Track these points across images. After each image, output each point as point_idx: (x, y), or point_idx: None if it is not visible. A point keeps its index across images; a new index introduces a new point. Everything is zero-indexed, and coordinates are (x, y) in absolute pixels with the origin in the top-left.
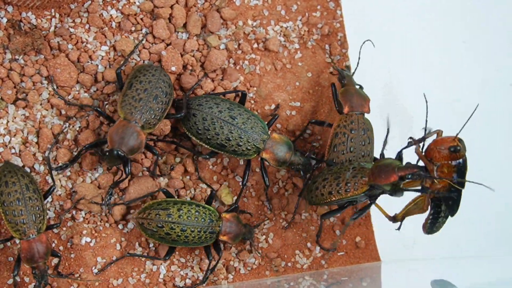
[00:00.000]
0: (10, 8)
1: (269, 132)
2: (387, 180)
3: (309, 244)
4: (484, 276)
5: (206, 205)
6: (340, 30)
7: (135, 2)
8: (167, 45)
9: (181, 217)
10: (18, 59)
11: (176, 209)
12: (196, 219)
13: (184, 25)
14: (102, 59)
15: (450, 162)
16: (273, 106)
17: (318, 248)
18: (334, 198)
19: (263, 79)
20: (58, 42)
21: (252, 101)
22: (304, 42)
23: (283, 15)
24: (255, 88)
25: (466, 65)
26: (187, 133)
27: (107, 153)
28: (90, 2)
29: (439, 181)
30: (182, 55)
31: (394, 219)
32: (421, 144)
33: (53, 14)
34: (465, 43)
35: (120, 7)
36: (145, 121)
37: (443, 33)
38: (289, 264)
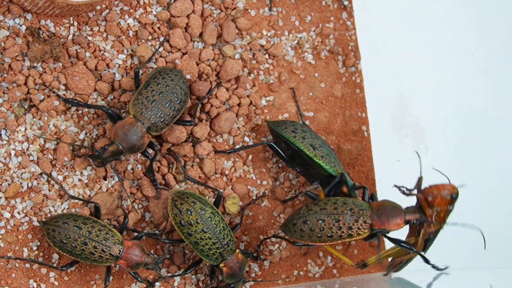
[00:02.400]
0: (29, 16)
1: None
2: (395, 226)
3: (320, 253)
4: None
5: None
6: (352, 40)
7: (152, 11)
8: (183, 54)
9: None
10: (36, 66)
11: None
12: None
13: (200, 35)
14: (119, 67)
15: (448, 207)
16: (286, 115)
17: (329, 257)
18: (333, 241)
19: (277, 89)
20: (76, 50)
21: (266, 110)
22: (318, 53)
23: (297, 25)
24: (268, 98)
25: (477, 75)
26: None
27: (106, 147)
28: (108, 11)
29: (434, 224)
30: (197, 64)
31: (364, 266)
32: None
33: (72, 22)
34: (473, 54)
35: (137, 16)
36: (152, 124)
37: (455, 43)
38: (301, 273)
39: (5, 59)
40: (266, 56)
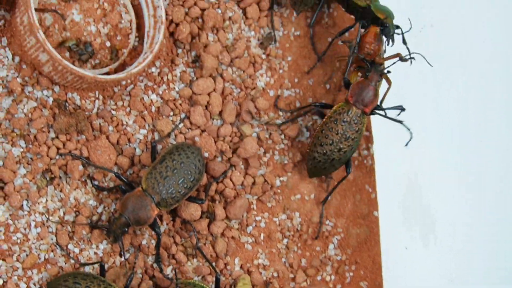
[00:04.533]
0: (57, 88)
1: None
2: None
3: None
4: None
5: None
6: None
7: (174, 88)
8: (202, 131)
9: None
10: (60, 138)
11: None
12: None
13: (220, 113)
14: (140, 142)
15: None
16: (298, 196)
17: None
18: None
19: (291, 170)
20: (100, 123)
21: (279, 190)
22: None
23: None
24: (282, 178)
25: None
26: None
27: (114, 219)
28: (132, 86)
29: None
30: (215, 141)
31: None
32: None
33: (97, 96)
34: (481, 142)
35: (160, 92)
36: (162, 199)
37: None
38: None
39: (31, 130)
40: (282, 136)
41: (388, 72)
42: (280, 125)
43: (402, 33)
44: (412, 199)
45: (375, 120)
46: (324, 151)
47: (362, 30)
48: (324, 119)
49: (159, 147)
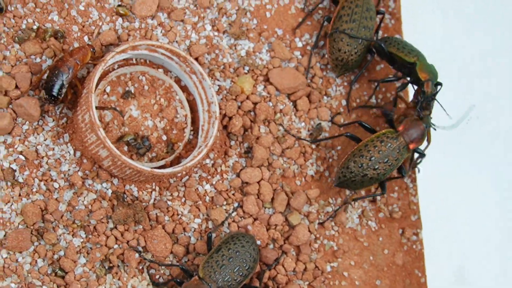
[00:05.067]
0: (115, 181)
1: None
2: None
3: None
4: None
5: None
6: (415, 211)
7: (227, 178)
8: (255, 219)
9: None
10: (118, 228)
11: None
12: None
13: (272, 200)
14: (194, 231)
15: None
16: (344, 283)
17: None
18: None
19: (341, 256)
20: (156, 214)
21: (330, 275)
22: (380, 222)
23: (363, 194)
24: (332, 264)
25: None
26: None
27: None
28: (187, 177)
29: None
30: (267, 229)
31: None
32: None
33: (154, 187)
34: None
35: (214, 183)
36: (219, 287)
37: None
38: None
39: (91, 221)
40: (332, 223)
41: (434, 128)
42: (333, 216)
43: (436, 92)
44: (461, 282)
45: (424, 205)
46: (361, 164)
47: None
48: (371, 136)
49: (213, 235)
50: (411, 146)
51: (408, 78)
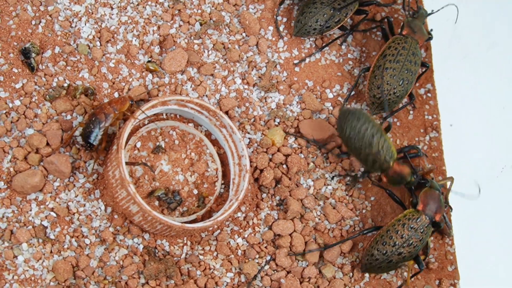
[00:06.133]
0: (147, 236)
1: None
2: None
3: None
4: None
5: None
6: (452, 262)
7: (259, 231)
8: (288, 272)
9: None
10: (150, 283)
11: None
12: None
13: (304, 252)
14: (227, 285)
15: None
16: None
17: None
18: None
19: None
20: (188, 268)
21: None
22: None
23: None
24: None
25: None
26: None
27: None
28: (219, 231)
29: None
30: (300, 282)
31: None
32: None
33: (185, 242)
34: None
35: (246, 236)
36: None
37: None
38: None
39: (122, 276)
40: (367, 275)
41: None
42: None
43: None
44: None
45: (460, 255)
46: (385, 251)
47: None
48: (392, 220)
49: None
50: (437, 219)
51: None
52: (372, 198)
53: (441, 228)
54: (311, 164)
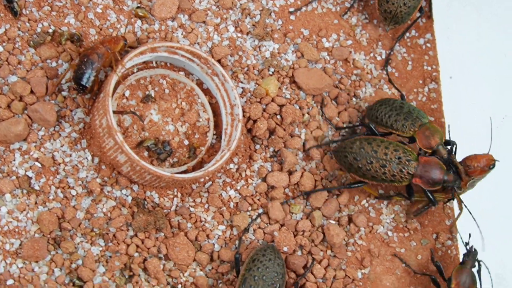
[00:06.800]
0: (135, 187)
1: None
2: (430, 187)
3: None
4: None
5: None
6: (449, 216)
7: (252, 183)
8: (281, 225)
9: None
10: (138, 235)
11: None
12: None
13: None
14: (218, 238)
15: (483, 175)
16: None
17: None
18: (375, 182)
19: (372, 262)
20: (178, 220)
21: (361, 283)
22: (415, 228)
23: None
24: (363, 271)
25: None
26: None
27: None
28: (211, 183)
29: (464, 190)
30: (294, 236)
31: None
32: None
33: (175, 193)
34: None
35: (238, 188)
36: None
37: None
38: None
39: (110, 228)
40: (363, 229)
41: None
42: None
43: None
44: None
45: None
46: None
47: None
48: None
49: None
50: None
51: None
52: None
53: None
54: (306, 115)
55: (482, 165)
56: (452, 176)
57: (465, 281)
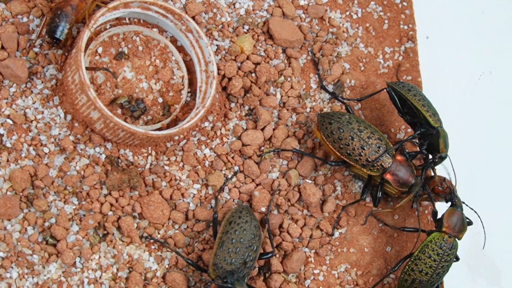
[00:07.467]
0: (109, 145)
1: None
2: (398, 188)
3: None
4: None
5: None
6: None
7: (227, 141)
8: (257, 185)
9: None
10: (112, 194)
11: None
12: None
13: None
14: (193, 197)
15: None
16: (352, 250)
17: None
18: (348, 160)
19: (349, 222)
20: (152, 179)
21: (337, 242)
22: None
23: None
24: (340, 230)
25: None
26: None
27: None
28: (185, 141)
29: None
30: (271, 195)
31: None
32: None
33: (150, 152)
34: None
35: (213, 146)
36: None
37: None
38: None
39: (83, 187)
40: (339, 188)
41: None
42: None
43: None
44: (476, 252)
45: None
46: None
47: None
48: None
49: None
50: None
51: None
52: None
53: None
54: (282, 77)
55: (446, 189)
56: (419, 182)
57: (456, 223)
